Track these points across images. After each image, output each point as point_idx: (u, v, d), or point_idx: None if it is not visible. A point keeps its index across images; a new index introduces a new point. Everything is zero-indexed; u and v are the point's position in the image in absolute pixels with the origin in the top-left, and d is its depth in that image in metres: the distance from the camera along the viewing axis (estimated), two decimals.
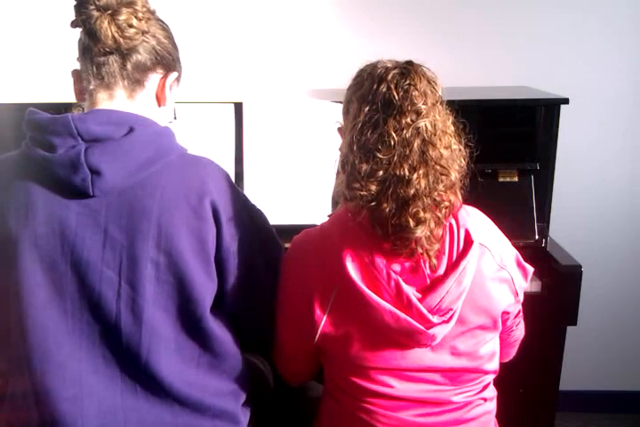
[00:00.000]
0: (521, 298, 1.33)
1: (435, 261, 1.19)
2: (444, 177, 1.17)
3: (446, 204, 1.18)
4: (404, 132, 1.15)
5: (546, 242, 1.93)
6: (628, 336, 2.54)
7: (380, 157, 1.15)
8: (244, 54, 2.30)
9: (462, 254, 1.20)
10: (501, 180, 1.94)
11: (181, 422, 1.22)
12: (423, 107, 1.16)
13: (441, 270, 1.20)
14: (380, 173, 1.15)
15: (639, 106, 2.36)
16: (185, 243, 1.17)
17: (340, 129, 1.31)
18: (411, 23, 2.28)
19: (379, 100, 1.16)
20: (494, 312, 1.25)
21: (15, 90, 2.23)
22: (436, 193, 1.17)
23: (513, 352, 1.49)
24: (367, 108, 1.17)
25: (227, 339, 1.25)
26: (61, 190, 1.15)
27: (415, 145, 1.15)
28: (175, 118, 1.34)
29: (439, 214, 1.18)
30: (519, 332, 1.44)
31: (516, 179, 1.95)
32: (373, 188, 1.16)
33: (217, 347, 1.24)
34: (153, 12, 1.23)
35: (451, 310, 1.19)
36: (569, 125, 2.07)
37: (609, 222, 2.44)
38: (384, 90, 1.16)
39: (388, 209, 1.15)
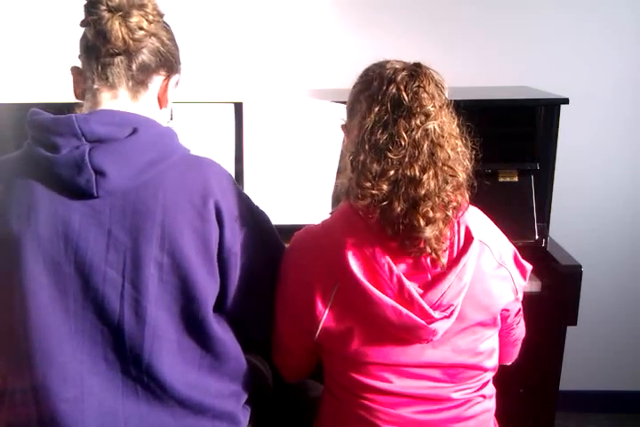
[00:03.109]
0: (520, 296, 1.34)
1: (444, 260, 1.20)
2: (451, 178, 1.19)
3: (454, 204, 1.20)
4: (414, 133, 1.16)
5: (546, 242, 1.93)
6: (628, 336, 2.54)
7: (391, 157, 1.16)
8: (244, 54, 2.30)
9: (463, 251, 1.21)
10: (501, 180, 1.94)
11: (181, 424, 1.22)
12: (432, 109, 1.17)
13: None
14: (391, 172, 1.16)
15: (639, 106, 2.36)
16: (188, 243, 1.17)
17: (344, 126, 1.31)
18: (411, 23, 2.28)
19: (388, 100, 1.17)
20: (494, 309, 1.26)
21: (16, 90, 2.23)
22: (444, 193, 1.18)
23: (515, 353, 1.49)
24: (377, 108, 1.17)
25: (228, 340, 1.25)
26: (65, 191, 1.15)
27: (425, 146, 1.17)
28: (171, 119, 1.34)
29: (448, 213, 1.19)
30: (519, 330, 1.44)
31: (515, 179, 1.95)
32: (385, 187, 1.16)
33: (219, 348, 1.24)
34: (162, 15, 1.22)
35: (452, 305, 1.20)
36: (569, 125, 2.07)
37: (609, 222, 2.44)
38: (393, 91, 1.17)
39: (399, 209, 1.17)
